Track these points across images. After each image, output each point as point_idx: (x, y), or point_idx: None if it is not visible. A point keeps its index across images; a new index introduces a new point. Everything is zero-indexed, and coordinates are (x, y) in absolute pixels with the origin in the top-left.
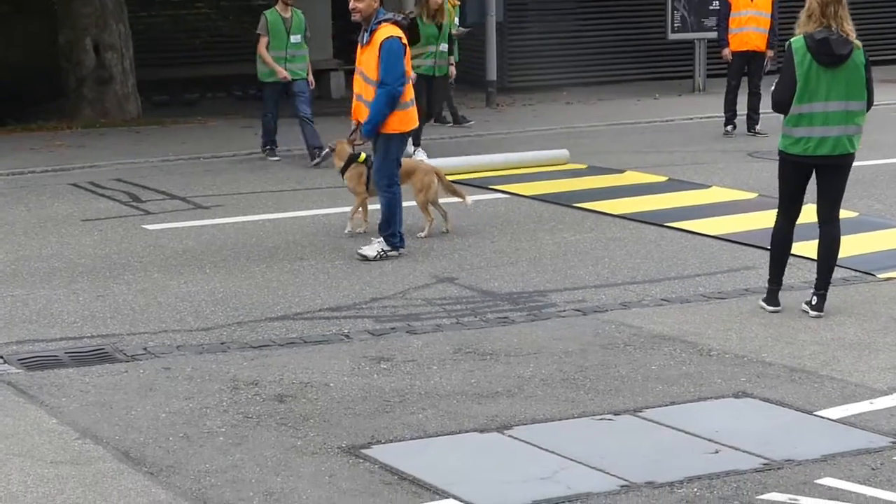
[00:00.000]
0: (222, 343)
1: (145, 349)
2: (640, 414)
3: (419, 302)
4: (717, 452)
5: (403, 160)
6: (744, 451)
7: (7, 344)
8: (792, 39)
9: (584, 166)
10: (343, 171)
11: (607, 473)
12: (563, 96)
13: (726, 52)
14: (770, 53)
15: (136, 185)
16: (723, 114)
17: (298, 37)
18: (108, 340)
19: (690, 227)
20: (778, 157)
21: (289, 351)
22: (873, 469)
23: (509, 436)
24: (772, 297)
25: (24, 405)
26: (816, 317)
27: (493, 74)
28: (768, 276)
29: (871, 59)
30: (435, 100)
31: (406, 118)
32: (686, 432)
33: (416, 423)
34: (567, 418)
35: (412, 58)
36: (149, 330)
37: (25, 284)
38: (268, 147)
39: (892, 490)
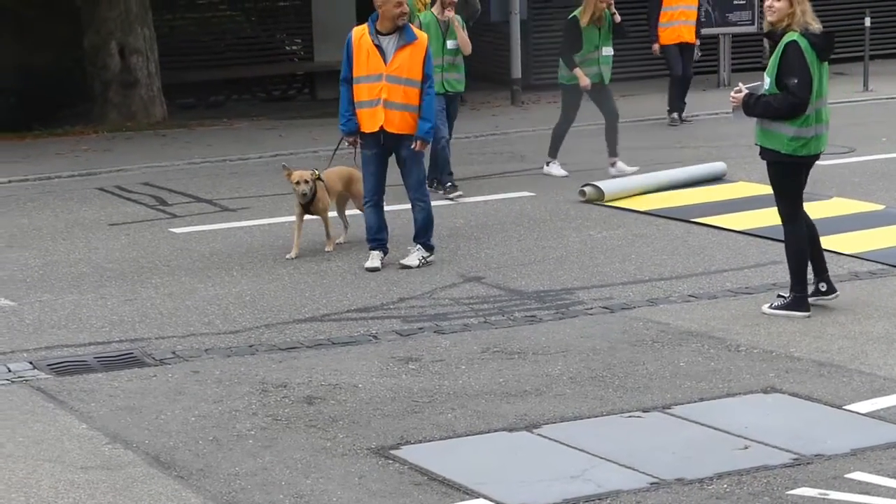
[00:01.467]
0: (251, 346)
1: (174, 353)
2: (668, 411)
3: (446, 302)
4: (746, 448)
5: (345, 169)
6: (773, 447)
7: (36, 349)
8: (794, 38)
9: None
10: (313, 198)
11: (637, 471)
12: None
13: (656, 47)
14: (698, 43)
15: (163, 188)
16: (669, 105)
17: (454, 42)
18: (136, 345)
19: (717, 222)
20: (780, 165)
21: (317, 353)
22: None
23: (538, 434)
24: (804, 302)
25: (54, 411)
26: (835, 297)
27: (517, 72)
28: (799, 285)
29: (884, 52)
30: (607, 108)
31: None
32: (715, 428)
33: (444, 422)
34: (596, 416)
35: (578, 66)
36: (177, 334)
37: (53, 290)
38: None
39: None
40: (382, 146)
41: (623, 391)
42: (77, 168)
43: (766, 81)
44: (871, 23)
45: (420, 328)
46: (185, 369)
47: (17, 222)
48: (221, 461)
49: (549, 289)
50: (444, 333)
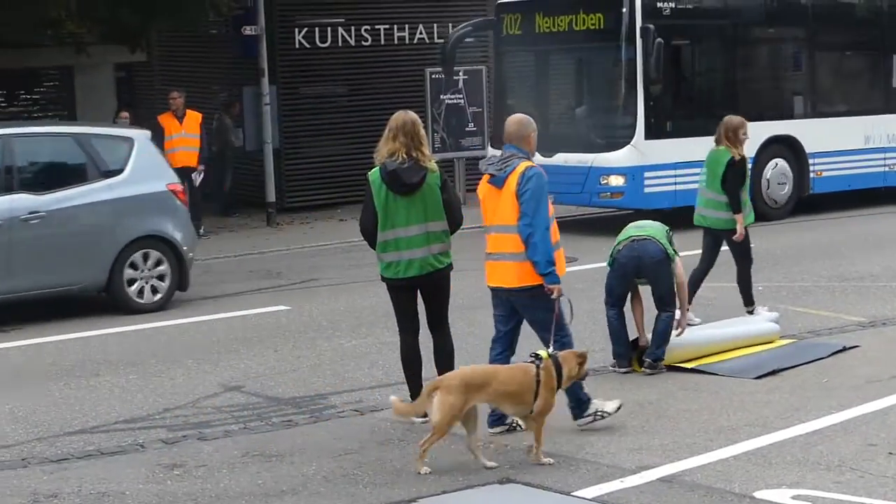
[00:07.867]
0: (23, 459)
1: None
2: None
3: (209, 410)
4: None
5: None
6: None
7: None
8: (370, 172)
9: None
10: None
11: None
12: (337, 214)
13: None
14: (200, 167)
15: None
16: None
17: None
18: None
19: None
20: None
21: (87, 463)
22: None
23: None
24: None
25: None
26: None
27: (272, 196)
28: (410, 393)
29: None
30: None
31: None
32: None
33: None
34: None
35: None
36: None
37: None
38: None
39: None
40: None
41: (373, 487)
42: None
43: None
44: None
45: (184, 436)
46: None
47: None
48: None
49: (304, 395)
50: (206, 440)
